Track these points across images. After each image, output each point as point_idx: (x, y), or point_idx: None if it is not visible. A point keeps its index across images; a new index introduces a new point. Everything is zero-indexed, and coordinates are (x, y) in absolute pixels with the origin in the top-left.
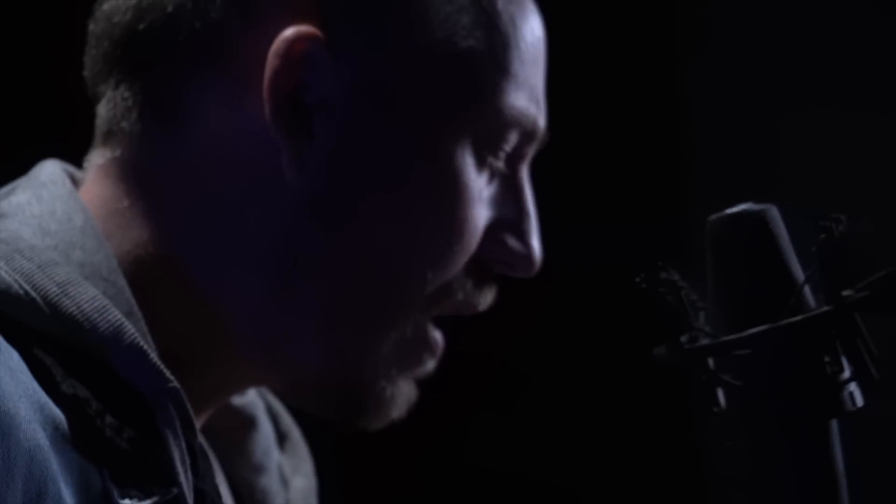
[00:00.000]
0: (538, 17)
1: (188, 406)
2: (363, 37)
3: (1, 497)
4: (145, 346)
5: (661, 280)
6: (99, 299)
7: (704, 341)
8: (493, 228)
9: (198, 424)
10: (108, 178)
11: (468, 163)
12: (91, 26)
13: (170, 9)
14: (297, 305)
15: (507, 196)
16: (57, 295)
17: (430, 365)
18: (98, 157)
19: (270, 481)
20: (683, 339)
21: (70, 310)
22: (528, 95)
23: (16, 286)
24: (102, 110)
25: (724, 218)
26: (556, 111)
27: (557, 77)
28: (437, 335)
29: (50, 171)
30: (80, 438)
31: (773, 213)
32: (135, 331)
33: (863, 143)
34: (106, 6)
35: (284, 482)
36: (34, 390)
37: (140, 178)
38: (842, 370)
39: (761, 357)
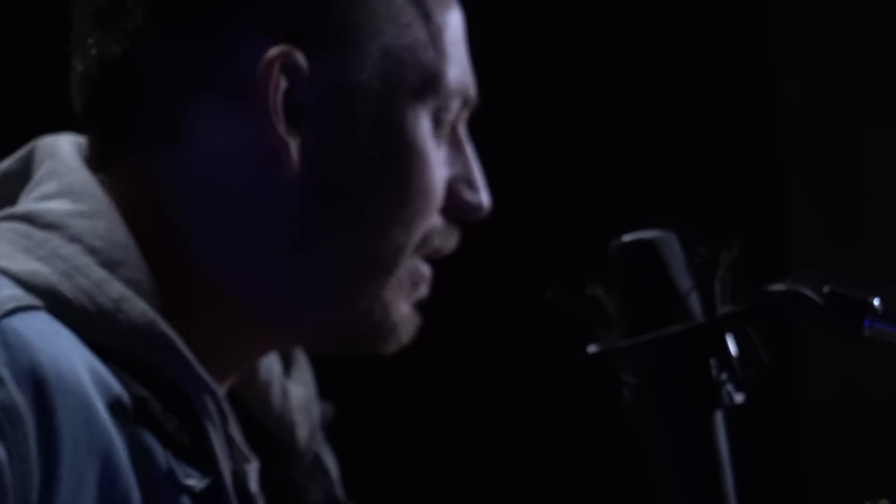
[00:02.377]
0: (456, 4)
1: (224, 404)
2: (332, 47)
3: (54, 458)
4: (189, 356)
5: (577, 295)
6: (149, 314)
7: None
8: (449, 185)
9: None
10: (124, 194)
11: (428, 135)
12: (76, 63)
13: (147, 51)
14: (308, 278)
15: (456, 155)
16: (112, 311)
17: (424, 290)
18: (106, 173)
19: (275, 393)
20: (590, 346)
21: (124, 324)
22: (461, 68)
23: (77, 302)
24: (96, 135)
25: (620, 244)
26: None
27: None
28: (425, 267)
29: (81, 176)
30: (142, 424)
31: (667, 239)
32: (181, 342)
33: None
34: (91, 47)
35: (284, 392)
36: (95, 363)
37: (153, 194)
38: (724, 371)
39: (649, 360)
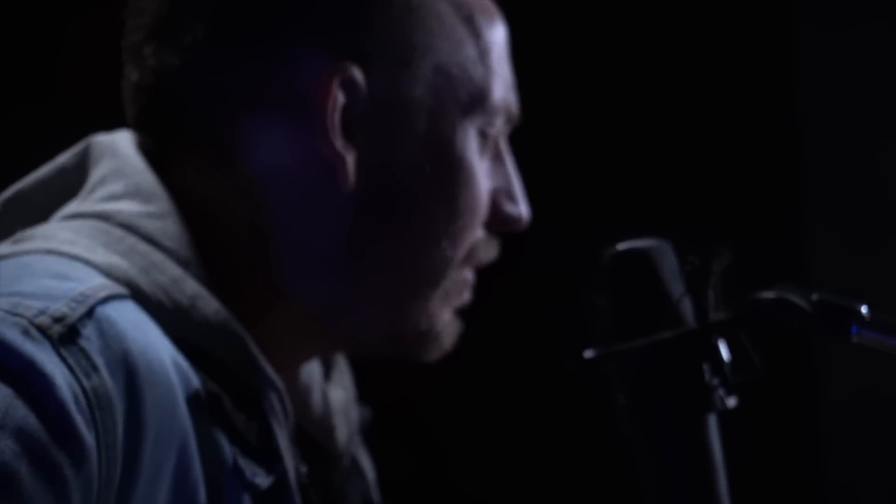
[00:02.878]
0: (502, 20)
1: (288, 401)
2: (388, 64)
3: (138, 446)
4: (259, 354)
5: (572, 302)
6: (222, 312)
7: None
8: (491, 197)
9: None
10: (183, 200)
11: (474, 149)
12: (130, 71)
13: (207, 66)
14: (360, 288)
15: (497, 168)
16: (187, 307)
17: (467, 298)
18: (168, 181)
19: (315, 397)
20: (585, 352)
21: (199, 320)
22: (506, 86)
23: (154, 297)
24: (156, 147)
25: (614, 252)
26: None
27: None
28: (468, 276)
29: (147, 177)
30: (215, 419)
31: (660, 248)
32: (251, 341)
33: None
34: (149, 56)
35: (324, 396)
36: (176, 356)
37: (210, 203)
38: (716, 376)
39: (642, 365)
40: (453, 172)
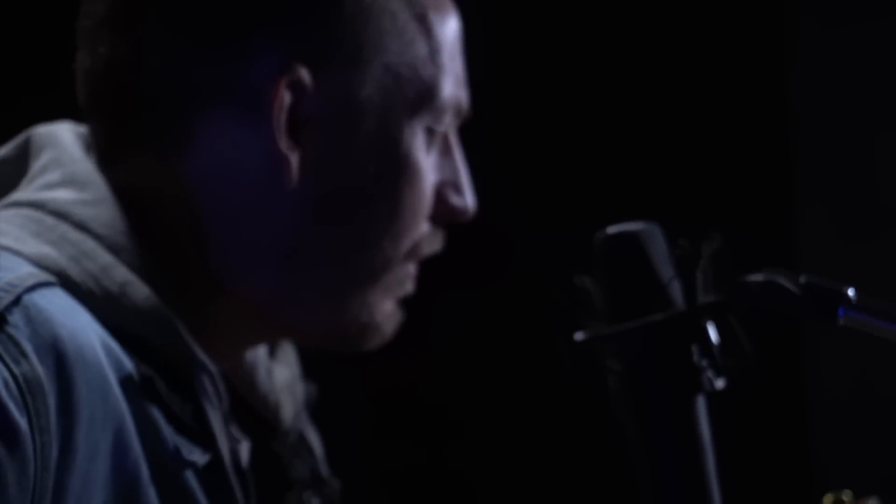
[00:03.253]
0: (455, 14)
1: (221, 385)
2: (337, 64)
3: (72, 429)
4: (189, 339)
5: (564, 286)
6: (152, 298)
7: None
8: (437, 190)
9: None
10: (128, 188)
11: (420, 147)
12: (83, 57)
13: (159, 60)
14: (303, 282)
15: (445, 161)
16: (118, 294)
17: (409, 288)
18: (109, 165)
19: (261, 374)
20: (577, 335)
21: (129, 307)
22: (456, 82)
23: (84, 285)
24: (103, 136)
25: (605, 236)
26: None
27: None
28: (410, 269)
29: (84, 166)
30: (149, 401)
31: (651, 231)
32: (182, 326)
33: None
34: (100, 45)
35: (269, 374)
36: (107, 340)
37: (159, 192)
38: (705, 358)
39: (633, 347)
40: (398, 172)
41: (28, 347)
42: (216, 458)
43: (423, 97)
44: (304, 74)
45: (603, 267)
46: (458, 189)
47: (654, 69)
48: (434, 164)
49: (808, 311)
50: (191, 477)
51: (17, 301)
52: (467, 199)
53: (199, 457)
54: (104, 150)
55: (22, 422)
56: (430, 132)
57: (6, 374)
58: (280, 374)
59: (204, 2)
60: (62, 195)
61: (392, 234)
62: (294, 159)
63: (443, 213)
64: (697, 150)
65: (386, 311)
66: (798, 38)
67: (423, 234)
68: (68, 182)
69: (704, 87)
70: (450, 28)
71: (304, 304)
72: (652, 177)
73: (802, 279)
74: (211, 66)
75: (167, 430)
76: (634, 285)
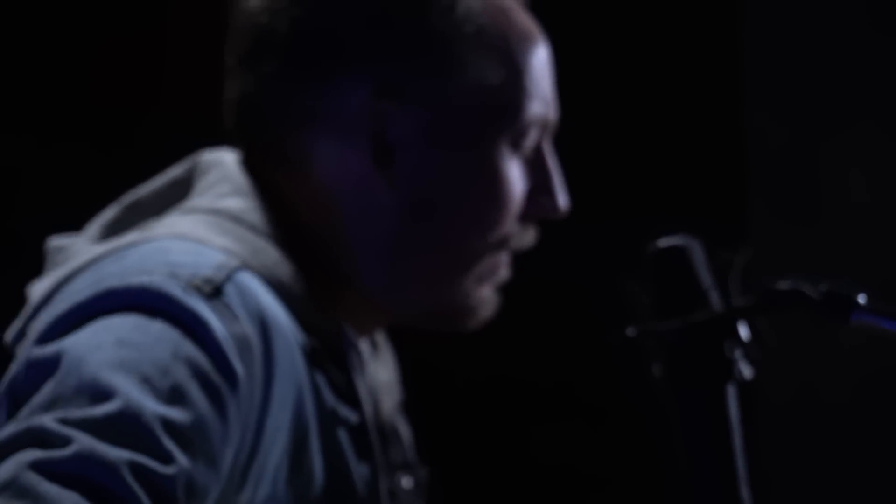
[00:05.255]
0: (542, 39)
1: (365, 358)
2: (423, 91)
3: (271, 380)
4: (340, 322)
5: (624, 289)
6: (308, 289)
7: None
8: (530, 193)
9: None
10: (275, 199)
11: (505, 156)
12: (228, 91)
13: (280, 92)
14: (407, 276)
15: (536, 168)
16: (288, 284)
17: (504, 276)
18: (260, 183)
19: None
20: (629, 330)
21: (295, 294)
22: (541, 102)
23: (262, 273)
24: (246, 156)
25: (656, 248)
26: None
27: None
28: (503, 259)
29: (246, 181)
30: (317, 367)
31: (693, 244)
32: (333, 312)
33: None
34: (236, 81)
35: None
36: (289, 319)
37: (290, 203)
38: (736, 351)
39: (676, 341)
40: (480, 181)
41: (240, 313)
42: (362, 421)
43: (505, 117)
44: (392, 101)
45: (654, 274)
46: (548, 192)
47: (602, 60)
48: (521, 172)
49: (825, 314)
50: (343, 434)
51: (229, 277)
52: (557, 201)
53: (351, 416)
54: (249, 168)
55: (240, 369)
56: (516, 145)
57: (225, 332)
58: (381, 374)
59: (309, 42)
60: (234, 203)
61: (478, 232)
62: (387, 175)
63: (534, 213)
64: (653, 136)
65: (481, 296)
66: (747, 29)
67: (509, 230)
68: (237, 193)
69: (657, 73)
70: (534, 54)
71: (409, 292)
72: (604, 172)
73: (823, 287)
74: (315, 96)
75: (328, 393)
76: (679, 290)
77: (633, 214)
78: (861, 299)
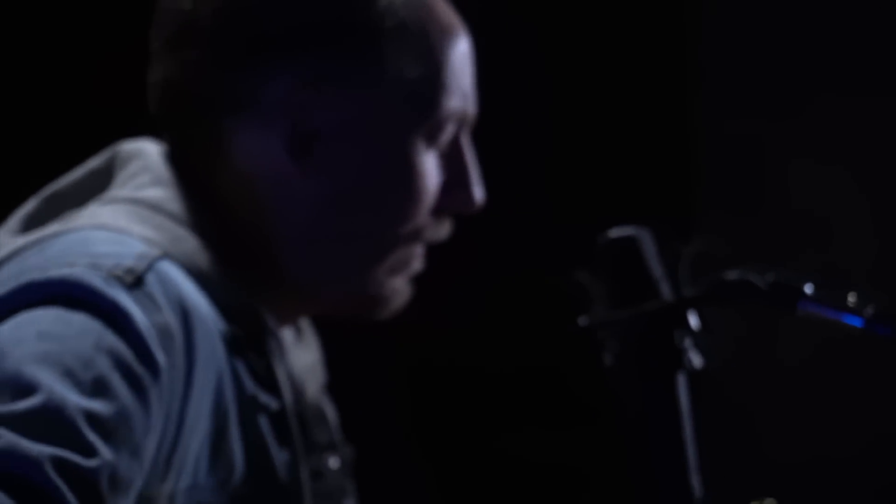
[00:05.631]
0: (463, 33)
1: (285, 344)
2: (345, 83)
3: (192, 369)
4: (260, 308)
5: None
6: (228, 276)
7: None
8: (445, 186)
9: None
10: (197, 185)
11: (421, 150)
12: (150, 75)
13: (202, 78)
14: (325, 263)
15: (452, 161)
16: (207, 272)
17: (417, 268)
18: (182, 169)
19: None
20: (582, 319)
21: (216, 282)
22: (459, 97)
23: (182, 261)
24: (169, 144)
25: (606, 239)
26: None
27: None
28: (417, 250)
29: (166, 171)
30: (237, 354)
31: (644, 234)
32: (253, 300)
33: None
34: (159, 66)
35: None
36: (210, 307)
37: (213, 190)
38: (686, 341)
39: (628, 331)
40: (397, 176)
41: (162, 302)
42: (282, 407)
43: (423, 111)
44: (313, 92)
45: (604, 265)
46: (463, 186)
47: (557, 48)
48: (437, 165)
49: (772, 304)
50: (264, 421)
51: (150, 267)
52: (472, 195)
53: (271, 403)
54: (172, 155)
55: (161, 358)
56: (433, 139)
57: (147, 322)
58: (304, 357)
59: (232, 29)
60: (154, 193)
61: (391, 222)
62: (306, 165)
63: (448, 206)
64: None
65: (394, 287)
66: (702, 39)
67: (423, 222)
68: (157, 182)
69: (609, 72)
70: (455, 48)
71: (325, 280)
72: (560, 154)
73: (770, 277)
74: (236, 84)
75: (248, 381)
76: (630, 280)
77: (584, 207)
78: (807, 289)
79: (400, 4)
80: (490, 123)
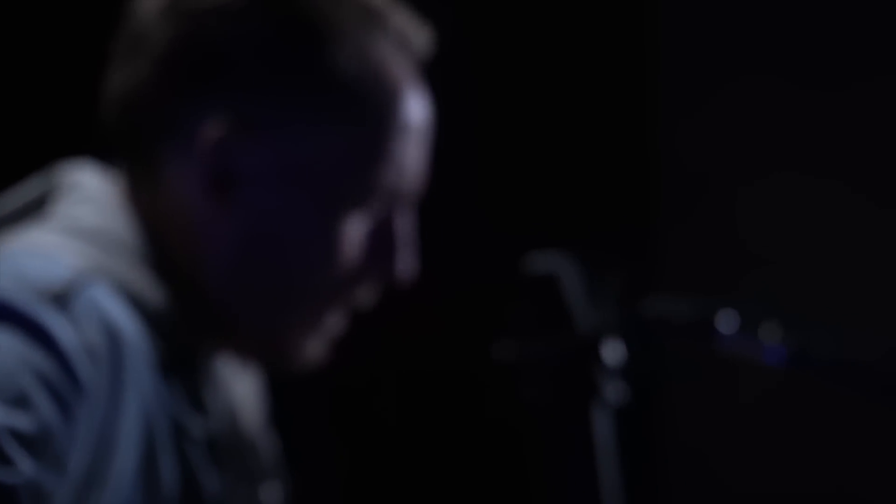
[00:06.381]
0: (420, 106)
1: (219, 371)
2: (278, 129)
3: (120, 391)
4: (190, 336)
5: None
6: (163, 302)
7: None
8: (372, 254)
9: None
10: (137, 207)
11: (346, 215)
12: (104, 86)
13: (149, 98)
14: (239, 301)
15: (383, 232)
16: (139, 296)
17: (333, 331)
18: (123, 191)
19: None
20: (497, 353)
21: (150, 307)
22: (398, 170)
23: (115, 285)
24: (115, 159)
25: (527, 271)
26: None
27: None
28: (333, 315)
29: (103, 193)
30: (165, 377)
31: (566, 267)
32: (182, 324)
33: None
34: (109, 83)
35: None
36: (142, 331)
37: (155, 214)
38: (603, 376)
39: (544, 365)
40: (313, 232)
41: (89, 323)
42: (212, 434)
43: (356, 177)
44: (244, 135)
45: (523, 298)
46: (387, 258)
47: (520, 60)
48: (364, 232)
49: (690, 341)
50: (195, 448)
51: (79, 289)
52: (394, 269)
53: (203, 429)
54: (114, 172)
55: (87, 377)
56: (363, 205)
57: (74, 341)
58: (240, 387)
59: (183, 55)
60: (89, 216)
61: (305, 281)
62: (223, 205)
63: (370, 273)
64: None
65: (303, 345)
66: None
67: (341, 286)
68: (92, 204)
69: (569, 81)
70: (404, 121)
71: (240, 322)
72: (521, 170)
73: (686, 311)
74: (176, 111)
75: (180, 406)
76: (549, 314)
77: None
78: (725, 324)
79: (355, 64)
80: (446, 132)
